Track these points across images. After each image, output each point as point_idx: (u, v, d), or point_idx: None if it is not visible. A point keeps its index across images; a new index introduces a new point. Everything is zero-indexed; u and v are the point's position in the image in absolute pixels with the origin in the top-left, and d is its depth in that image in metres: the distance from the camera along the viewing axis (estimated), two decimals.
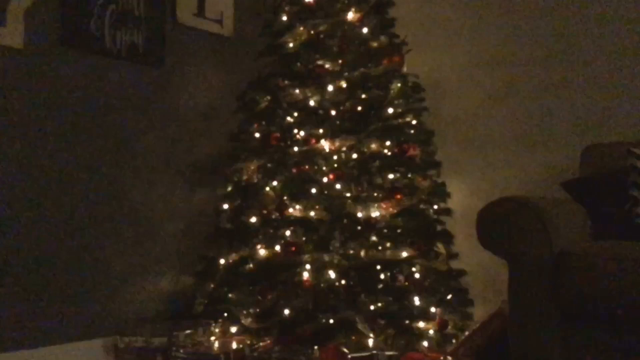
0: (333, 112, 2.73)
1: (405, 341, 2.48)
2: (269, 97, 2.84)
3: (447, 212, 2.85)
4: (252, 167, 2.83)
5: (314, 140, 2.71)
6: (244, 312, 2.66)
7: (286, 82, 2.81)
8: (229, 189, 2.89)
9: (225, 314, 2.71)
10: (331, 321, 2.47)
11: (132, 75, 2.84)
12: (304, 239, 2.62)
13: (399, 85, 2.84)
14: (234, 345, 2.54)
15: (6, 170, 2.42)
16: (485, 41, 3.14)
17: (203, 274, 2.86)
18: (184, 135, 3.04)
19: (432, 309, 2.59)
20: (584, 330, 1.97)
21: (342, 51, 2.79)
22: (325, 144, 2.70)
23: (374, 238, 2.60)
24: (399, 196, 2.66)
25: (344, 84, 2.75)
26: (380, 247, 2.59)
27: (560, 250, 2.01)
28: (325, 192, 2.63)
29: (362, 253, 2.58)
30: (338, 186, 2.63)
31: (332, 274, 2.55)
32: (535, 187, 2.87)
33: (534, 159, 2.99)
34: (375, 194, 2.65)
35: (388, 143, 2.72)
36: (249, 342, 2.55)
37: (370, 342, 2.45)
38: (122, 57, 2.78)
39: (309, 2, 2.86)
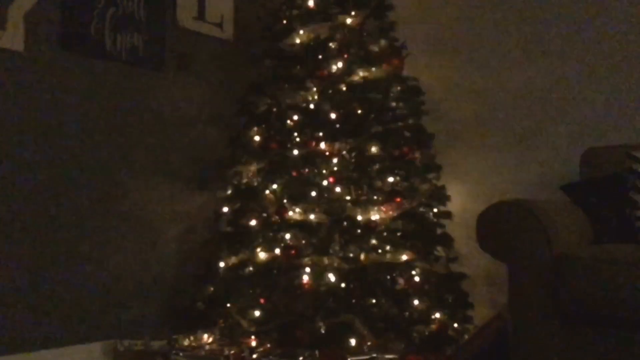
0: (333, 116, 2.73)
1: (404, 344, 2.47)
2: (269, 101, 2.85)
3: (447, 215, 2.85)
4: (252, 170, 2.83)
5: (313, 143, 2.71)
6: (244, 315, 2.65)
7: (286, 85, 2.81)
8: (229, 192, 2.89)
9: (225, 317, 2.71)
10: (331, 324, 2.47)
11: (132, 78, 2.84)
12: (303, 242, 2.62)
13: (398, 88, 2.84)
14: (234, 349, 2.53)
15: (6, 172, 2.42)
16: (485, 44, 3.14)
17: (203, 277, 2.86)
18: (184, 138, 3.04)
19: (432, 312, 2.58)
20: (583, 333, 1.97)
21: (342, 55, 2.79)
22: (325, 147, 2.70)
23: (373, 241, 2.60)
24: (398, 199, 2.66)
25: (343, 88, 2.76)
26: (380, 250, 2.59)
27: (560, 253, 2.01)
28: (325, 195, 2.63)
29: (362, 256, 2.58)
30: (338, 189, 2.63)
31: (331, 277, 2.54)
32: (535, 190, 2.87)
33: (533, 162, 2.99)
34: (375, 197, 2.64)
35: (388, 146, 2.72)
36: (248, 345, 2.55)
37: (370, 345, 2.44)
38: (122, 60, 2.78)
39: (309, 5, 2.86)
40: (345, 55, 2.79)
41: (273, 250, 2.68)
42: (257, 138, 2.84)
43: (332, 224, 2.60)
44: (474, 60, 3.17)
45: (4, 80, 2.43)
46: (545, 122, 2.98)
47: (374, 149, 2.71)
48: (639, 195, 2.29)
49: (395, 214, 2.64)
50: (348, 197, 2.63)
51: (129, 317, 2.77)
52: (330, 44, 2.80)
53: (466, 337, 2.60)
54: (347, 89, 2.76)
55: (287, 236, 2.65)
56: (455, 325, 2.65)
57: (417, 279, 2.61)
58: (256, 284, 2.66)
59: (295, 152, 2.73)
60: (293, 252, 2.62)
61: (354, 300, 2.51)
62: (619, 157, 2.44)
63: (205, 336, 2.67)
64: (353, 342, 2.44)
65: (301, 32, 2.84)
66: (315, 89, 2.77)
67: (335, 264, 2.55)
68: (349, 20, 2.84)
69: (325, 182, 2.65)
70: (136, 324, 2.77)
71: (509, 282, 2.12)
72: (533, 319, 2.05)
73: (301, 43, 2.84)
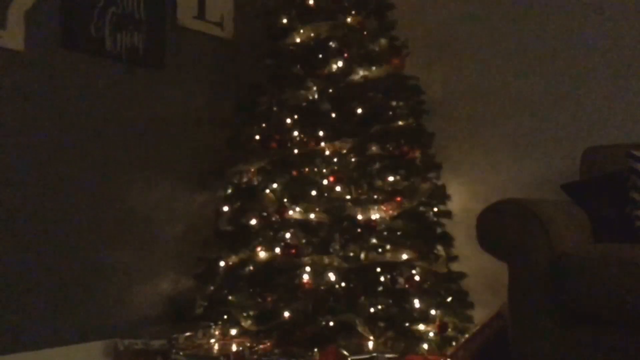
0: (333, 115, 2.73)
1: (405, 344, 2.47)
2: (269, 100, 2.84)
3: (447, 214, 2.85)
4: (252, 169, 2.83)
5: (314, 143, 2.71)
6: (244, 314, 2.66)
7: (286, 84, 2.81)
8: (229, 191, 2.89)
9: (225, 317, 2.71)
10: (331, 324, 2.47)
11: (132, 77, 2.84)
12: (304, 241, 2.62)
13: (398, 87, 2.84)
14: (234, 348, 2.54)
15: (6, 172, 2.42)
16: (485, 43, 3.14)
17: (203, 276, 2.86)
18: (184, 137, 3.04)
19: (432, 312, 2.58)
20: (584, 332, 1.97)
21: (342, 54, 2.79)
22: (325, 147, 2.70)
23: (373, 240, 2.60)
24: (399, 199, 2.66)
25: (344, 87, 2.75)
26: (380, 250, 2.59)
27: (560, 252, 2.01)
28: (325, 194, 2.63)
29: (362, 255, 2.58)
30: (338, 188, 2.63)
31: (332, 277, 2.54)
32: (535, 190, 2.87)
33: (534, 161, 2.99)
34: (375, 197, 2.65)
35: (388, 146, 2.72)
36: (248, 344, 2.55)
37: (370, 344, 2.44)
38: (122, 60, 2.78)
39: (309, 4, 2.86)
40: (346, 55, 2.79)
41: (273, 250, 2.68)
42: (257, 137, 2.84)
43: (332, 223, 2.60)
44: (474, 59, 3.17)
45: (4, 79, 2.42)
46: (546, 121, 2.98)
47: (374, 148, 2.71)
48: (639, 194, 2.29)
49: (395, 213, 2.64)
50: (348, 197, 2.63)
51: (129, 317, 2.77)
52: (331, 43, 2.80)
53: (466, 336, 2.60)
54: (347, 88, 2.76)
55: (287, 235, 2.65)
56: (455, 324, 2.65)
57: (417, 278, 2.61)
58: (256, 284, 2.65)
59: (296, 151, 2.73)
60: (293, 251, 2.62)
61: (354, 300, 2.51)
62: (619, 157, 2.44)
63: (206, 335, 2.67)
64: (353, 341, 2.44)
65: (301, 31, 2.84)
66: (315, 88, 2.77)
67: (336, 263, 2.55)
68: (349, 19, 2.84)
69: (325, 182, 2.65)
70: (136, 324, 2.77)
71: (509, 281, 2.12)
72: (533, 318, 2.05)
73: (301, 42, 2.84)
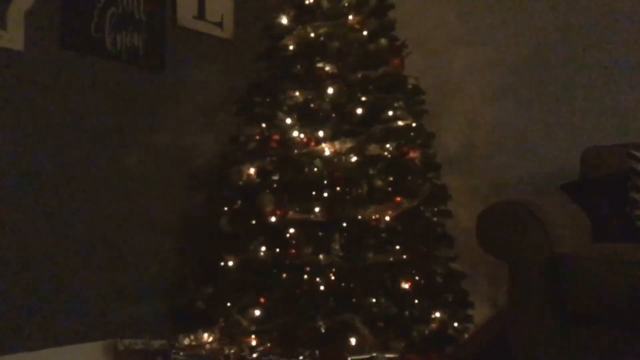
0: (333, 115, 2.72)
1: (405, 344, 2.47)
2: (268, 100, 2.84)
3: (448, 214, 2.85)
4: (252, 170, 2.82)
5: (313, 143, 2.71)
6: (244, 314, 2.65)
7: (286, 84, 2.81)
8: (229, 191, 2.89)
9: (225, 316, 2.71)
10: (331, 324, 2.47)
11: (132, 77, 2.84)
12: (303, 241, 2.62)
13: (399, 87, 2.84)
14: (234, 348, 2.53)
15: (5, 172, 2.42)
16: (485, 43, 3.14)
17: (203, 276, 2.86)
18: (183, 137, 3.04)
19: (432, 311, 2.58)
20: (583, 332, 1.97)
21: (342, 54, 2.79)
22: (325, 147, 2.70)
23: (373, 241, 2.60)
24: (399, 199, 2.66)
25: (344, 87, 2.75)
26: (380, 250, 2.59)
27: (560, 252, 2.01)
28: (325, 194, 2.63)
29: (362, 256, 2.57)
30: (338, 189, 2.63)
31: (331, 277, 2.54)
32: (535, 190, 2.87)
33: (534, 161, 2.99)
34: (375, 197, 2.64)
35: (388, 146, 2.72)
36: (248, 344, 2.55)
37: (370, 344, 2.44)
38: (123, 60, 2.78)
39: (309, 4, 2.86)
40: (346, 55, 2.79)
41: (273, 250, 2.67)
42: (257, 137, 2.84)
43: (332, 223, 2.60)
44: (474, 59, 3.17)
45: (4, 79, 2.43)
46: (546, 121, 2.98)
47: (374, 148, 2.71)
48: (639, 194, 2.29)
49: (395, 214, 2.64)
50: (348, 197, 2.63)
51: (129, 317, 2.77)
52: (331, 43, 2.80)
53: (466, 336, 2.60)
54: (347, 88, 2.75)
55: (287, 236, 2.65)
56: (456, 324, 2.65)
57: (417, 278, 2.61)
58: (256, 284, 2.65)
59: (295, 151, 2.72)
60: (293, 251, 2.61)
61: (354, 300, 2.50)
62: (619, 157, 2.44)
63: (206, 335, 2.67)
64: (353, 341, 2.44)
65: (301, 31, 2.84)
66: (315, 88, 2.76)
67: (335, 264, 2.55)
68: (349, 19, 2.83)
69: (325, 182, 2.64)
70: (136, 323, 2.77)
71: (509, 281, 2.13)
72: (533, 317, 2.05)
73: (301, 42, 2.83)
